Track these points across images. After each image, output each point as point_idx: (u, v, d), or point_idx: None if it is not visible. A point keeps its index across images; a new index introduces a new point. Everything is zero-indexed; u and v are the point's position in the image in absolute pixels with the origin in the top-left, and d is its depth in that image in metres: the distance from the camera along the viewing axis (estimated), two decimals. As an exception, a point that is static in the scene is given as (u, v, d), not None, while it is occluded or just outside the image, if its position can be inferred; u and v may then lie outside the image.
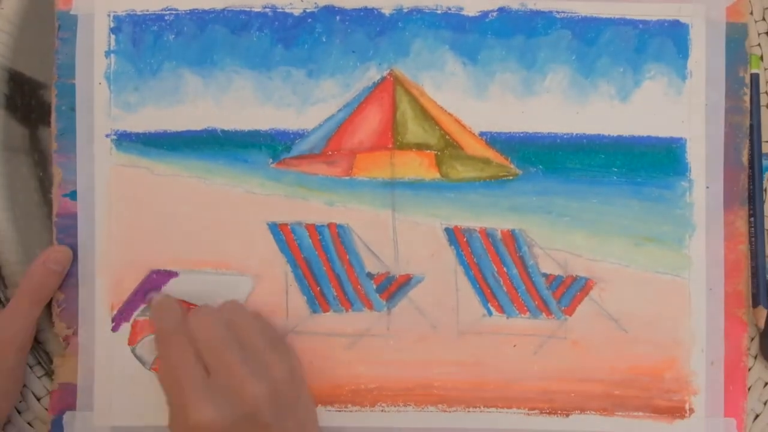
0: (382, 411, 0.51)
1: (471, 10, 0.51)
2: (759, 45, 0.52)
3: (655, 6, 0.51)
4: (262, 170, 0.50)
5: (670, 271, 0.51)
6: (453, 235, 0.51)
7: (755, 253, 0.51)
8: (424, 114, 0.51)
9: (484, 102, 0.51)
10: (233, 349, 0.44)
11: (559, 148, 0.51)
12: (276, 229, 0.50)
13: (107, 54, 0.50)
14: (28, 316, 0.48)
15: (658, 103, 0.51)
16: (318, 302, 0.50)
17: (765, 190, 0.52)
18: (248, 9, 0.51)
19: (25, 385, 0.51)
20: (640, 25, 0.51)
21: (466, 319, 0.51)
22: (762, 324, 0.51)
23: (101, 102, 0.50)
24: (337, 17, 0.51)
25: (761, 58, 0.52)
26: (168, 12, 0.50)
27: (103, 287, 0.50)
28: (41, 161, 0.52)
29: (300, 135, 0.50)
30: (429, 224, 0.51)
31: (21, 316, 0.48)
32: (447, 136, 0.50)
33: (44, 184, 0.52)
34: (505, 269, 0.51)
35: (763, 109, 0.52)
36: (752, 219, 0.51)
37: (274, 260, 0.50)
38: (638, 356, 0.50)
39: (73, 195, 0.50)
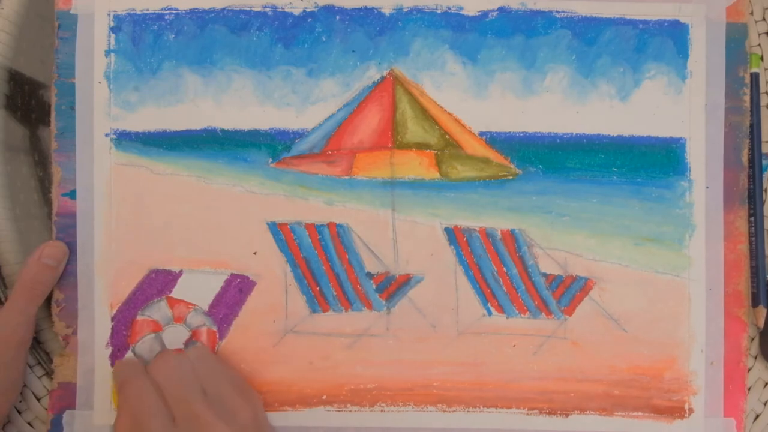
0: (381, 411, 0.50)
1: (471, 9, 0.51)
2: (759, 45, 0.52)
3: (655, 6, 0.51)
4: (262, 170, 0.50)
5: (670, 271, 0.51)
6: (453, 235, 0.51)
7: (755, 253, 0.51)
8: (424, 114, 0.51)
9: (484, 102, 0.51)
10: (198, 394, 0.44)
11: (559, 148, 0.51)
12: (276, 228, 0.50)
13: (107, 53, 0.51)
14: (26, 312, 0.48)
15: (658, 103, 0.51)
16: (317, 302, 0.50)
17: (765, 190, 0.52)
18: (248, 8, 0.51)
19: (25, 385, 0.51)
20: (640, 25, 0.51)
21: (465, 319, 0.51)
22: (762, 324, 0.51)
23: (101, 101, 0.50)
24: (337, 17, 0.51)
25: (761, 57, 0.52)
26: (168, 11, 0.50)
27: (102, 286, 0.50)
28: (41, 161, 0.52)
29: (300, 134, 0.50)
30: (429, 224, 0.51)
31: (18, 312, 0.48)
32: (447, 136, 0.50)
33: (44, 184, 0.52)
34: (504, 269, 0.51)
35: (763, 109, 0.52)
36: (752, 219, 0.51)
37: (274, 260, 0.50)
38: (638, 356, 0.50)
39: (72, 194, 0.50)
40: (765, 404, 0.52)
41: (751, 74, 0.51)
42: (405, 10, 0.51)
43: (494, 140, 0.51)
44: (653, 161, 0.51)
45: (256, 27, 0.51)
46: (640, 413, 0.51)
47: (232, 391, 0.46)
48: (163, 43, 0.51)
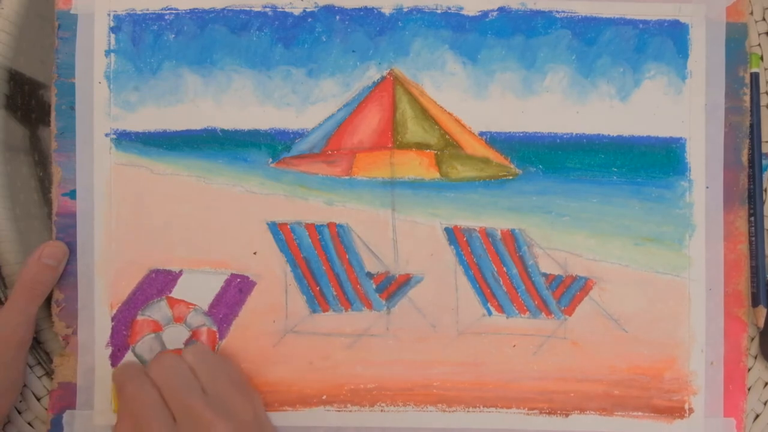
0: (381, 411, 0.51)
1: (471, 9, 0.51)
2: (759, 45, 0.52)
3: (655, 6, 0.51)
4: (262, 170, 0.50)
5: (670, 271, 0.51)
6: (453, 235, 0.51)
7: (755, 253, 0.51)
8: (424, 114, 0.51)
9: (484, 102, 0.51)
10: (197, 393, 0.44)
11: (559, 148, 0.51)
12: (275, 228, 0.50)
13: (107, 53, 0.51)
14: (26, 312, 0.48)
15: (658, 103, 0.51)
16: (317, 302, 0.50)
17: (765, 190, 0.52)
18: (248, 8, 0.51)
19: (25, 385, 0.51)
20: (640, 25, 0.51)
21: (465, 319, 0.51)
22: (762, 323, 0.51)
23: (101, 101, 0.50)
24: (337, 17, 0.51)
25: (761, 57, 0.52)
26: (168, 11, 0.50)
27: (102, 286, 0.50)
28: (41, 161, 0.52)
29: (300, 134, 0.50)
30: (429, 224, 0.51)
31: (18, 312, 0.48)
32: (447, 136, 0.50)
33: (44, 184, 0.52)
34: (504, 269, 0.51)
35: (763, 109, 0.52)
36: (752, 219, 0.51)
37: (274, 260, 0.50)
38: (638, 356, 0.50)
39: (72, 194, 0.50)
40: (765, 404, 0.52)
41: (751, 74, 0.51)
42: (405, 10, 0.51)
43: (494, 140, 0.51)
44: (653, 161, 0.51)
45: (256, 27, 0.51)
46: (640, 413, 0.51)
47: (232, 389, 0.46)
48: (163, 43, 0.51)
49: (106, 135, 0.50)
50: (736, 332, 0.51)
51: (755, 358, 0.52)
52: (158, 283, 0.50)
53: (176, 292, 0.50)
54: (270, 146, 0.50)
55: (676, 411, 0.51)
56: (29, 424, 0.52)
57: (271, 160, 0.50)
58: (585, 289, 0.51)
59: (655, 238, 0.51)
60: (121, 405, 0.45)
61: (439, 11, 0.51)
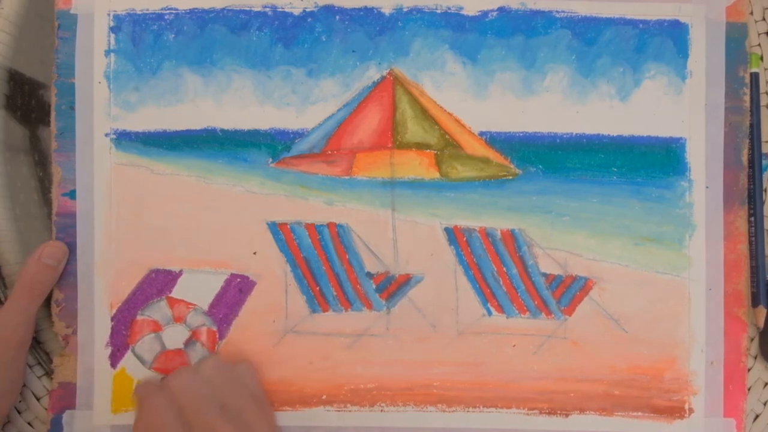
0: (381, 411, 0.51)
1: (471, 9, 0.51)
2: (759, 45, 0.52)
3: (655, 6, 0.51)
4: (262, 170, 0.50)
5: (670, 271, 0.51)
6: (452, 235, 0.51)
7: (755, 253, 0.51)
8: (424, 113, 0.51)
9: (483, 102, 0.51)
10: (214, 409, 0.44)
11: (559, 147, 0.51)
12: (275, 228, 0.50)
13: (107, 53, 0.51)
14: (26, 312, 0.48)
15: (658, 103, 0.51)
16: (317, 302, 0.50)
17: (765, 190, 0.52)
18: (248, 8, 0.51)
19: (24, 385, 0.51)
20: (640, 25, 0.51)
21: (465, 319, 0.51)
22: (762, 324, 0.51)
23: (101, 101, 0.50)
24: (337, 17, 0.51)
25: (761, 57, 0.52)
26: (168, 11, 0.51)
27: (102, 286, 0.50)
28: (41, 161, 0.52)
29: (300, 134, 0.50)
30: (428, 224, 0.51)
31: (18, 312, 0.48)
32: (447, 136, 0.50)
33: (44, 184, 0.52)
34: (504, 269, 0.51)
35: (763, 109, 0.52)
36: (752, 219, 0.51)
37: (274, 260, 0.50)
38: (638, 356, 0.50)
39: (72, 194, 0.50)
40: (765, 404, 0.52)
41: (751, 74, 0.51)
42: (405, 10, 0.51)
43: (494, 140, 0.51)
44: (653, 161, 0.51)
45: (256, 27, 0.51)
46: (640, 413, 0.51)
47: (249, 405, 0.46)
48: (163, 43, 0.51)
49: (106, 135, 0.50)
50: (736, 332, 0.51)
51: (755, 358, 0.52)
52: (158, 283, 0.50)
53: (176, 292, 0.50)
54: (270, 146, 0.50)
55: (676, 411, 0.51)
56: (29, 424, 0.52)
57: (271, 160, 0.50)
58: (585, 289, 0.51)
59: (655, 238, 0.51)
60: (138, 419, 0.45)
61: (439, 11, 0.51)
